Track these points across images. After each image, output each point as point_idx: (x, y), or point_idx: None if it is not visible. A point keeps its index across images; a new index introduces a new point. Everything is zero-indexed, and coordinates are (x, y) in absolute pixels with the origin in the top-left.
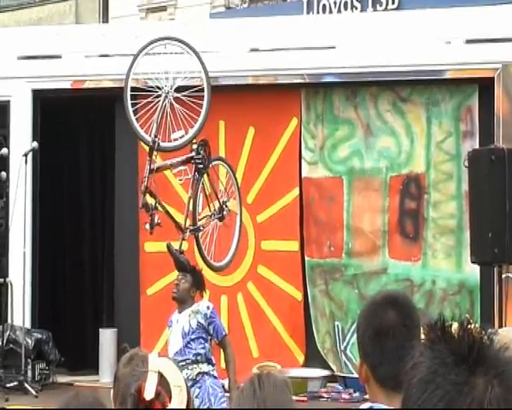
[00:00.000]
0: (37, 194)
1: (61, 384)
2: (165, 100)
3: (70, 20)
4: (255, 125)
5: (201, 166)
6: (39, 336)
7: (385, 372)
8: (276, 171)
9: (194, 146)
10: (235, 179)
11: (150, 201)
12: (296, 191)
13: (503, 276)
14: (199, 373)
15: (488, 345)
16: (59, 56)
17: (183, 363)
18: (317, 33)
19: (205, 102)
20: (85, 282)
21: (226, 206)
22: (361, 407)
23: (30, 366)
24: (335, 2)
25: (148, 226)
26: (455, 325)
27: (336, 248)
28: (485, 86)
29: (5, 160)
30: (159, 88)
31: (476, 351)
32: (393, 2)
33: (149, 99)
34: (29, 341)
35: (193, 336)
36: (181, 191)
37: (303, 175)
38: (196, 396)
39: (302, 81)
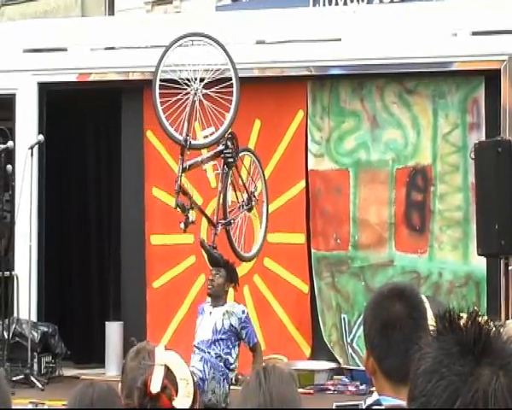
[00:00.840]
0: (42, 187)
1: (68, 378)
2: (194, 97)
3: (76, 13)
4: (261, 117)
5: (231, 159)
6: (45, 329)
7: (391, 365)
8: (282, 163)
9: (223, 141)
10: (261, 169)
11: (183, 200)
12: (302, 184)
13: (510, 268)
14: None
15: (495, 336)
16: (65, 49)
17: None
18: (324, 25)
19: (234, 98)
20: (92, 275)
21: (254, 196)
22: (368, 400)
23: (36, 360)
24: None
25: (182, 225)
26: (464, 317)
27: (343, 241)
28: (491, 78)
29: (11, 153)
30: (187, 85)
31: (482, 342)
32: None
33: (178, 96)
34: (35, 334)
35: (223, 337)
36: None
37: (309, 167)
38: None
39: (308, 73)
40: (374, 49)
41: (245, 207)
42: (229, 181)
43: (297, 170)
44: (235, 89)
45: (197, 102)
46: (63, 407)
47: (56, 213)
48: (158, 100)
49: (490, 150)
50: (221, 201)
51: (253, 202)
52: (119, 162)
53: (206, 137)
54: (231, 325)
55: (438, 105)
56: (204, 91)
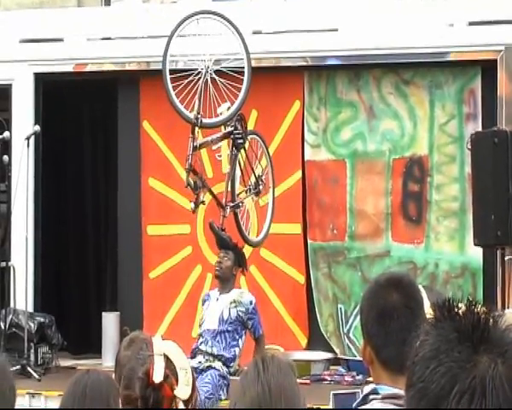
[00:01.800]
0: (39, 178)
1: (64, 368)
2: (206, 75)
3: (72, 4)
4: (258, 107)
5: (241, 140)
6: (42, 320)
7: (389, 354)
8: (278, 154)
9: (232, 123)
10: (268, 153)
11: (194, 179)
12: (299, 174)
13: (506, 258)
14: (209, 367)
15: (493, 325)
16: (61, 40)
17: (205, 353)
18: (320, 16)
19: (246, 73)
20: (88, 265)
21: (262, 180)
22: (365, 389)
23: (33, 350)
24: None
25: (192, 205)
26: (462, 306)
27: (339, 231)
28: (488, 68)
29: (7, 143)
30: (196, 70)
31: (481, 330)
32: None
33: (190, 78)
34: (32, 325)
35: (229, 328)
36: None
37: (306, 158)
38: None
39: (305, 64)
40: (370, 39)
41: (252, 190)
42: (238, 163)
43: (293, 160)
44: (246, 64)
45: (209, 80)
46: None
47: (53, 204)
48: (168, 76)
49: (486, 141)
50: (229, 183)
51: (261, 186)
52: (115, 153)
53: (221, 113)
54: (238, 315)
55: (434, 96)
56: (215, 67)
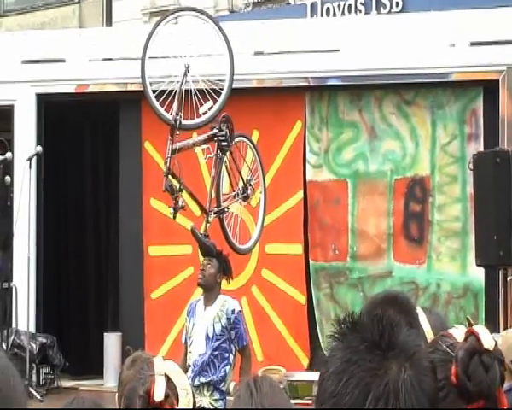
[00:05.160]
0: (41, 198)
1: (66, 389)
2: (186, 74)
3: (74, 25)
4: (259, 128)
5: (225, 143)
6: (44, 340)
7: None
8: (280, 174)
9: (215, 124)
10: (259, 156)
11: (174, 183)
12: (300, 194)
13: (509, 278)
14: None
15: (398, 330)
16: (63, 60)
17: (198, 385)
18: (321, 36)
19: (228, 71)
20: (90, 286)
21: (250, 185)
22: None
23: (34, 371)
24: (339, 5)
25: (172, 210)
26: (461, 327)
27: (341, 252)
28: (489, 89)
29: (9, 164)
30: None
31: (387, 336)
32: (397, 5)
33: (171, 78)
34: (34, 345)
35: (216, 352)
36: (205, 171)
37: (307, 178)
38: None
39: (306, 84)
40: (372, 59)
41: (240, 195)
42: (223, 167)
43: (295, 181)
44: (228, 59)
45: (190, 80)
46: None
47: (55, 224)
48: (147, 78)
49: (488, 161)
50: (214, 187)
51: (250, 191)
52: (117, 173)
53: (204, 113)
54: (222, 327)
55: (436, 116)
56: (195, 70)
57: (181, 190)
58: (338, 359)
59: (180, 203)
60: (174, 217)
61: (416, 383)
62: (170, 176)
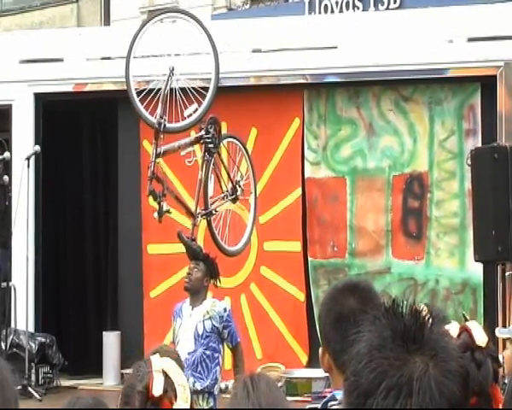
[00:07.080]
0: (39, 198)
1: (65, 388)
2: (170, 77)
3: (72, 24)
4: (257, 125)
5: (212, 145)
6: (43, 340)
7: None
8: (278, 171)
9: (203, 125)
10: (249, 157)
11: (158, 188)
12: (299, 192)
13: (507, 274)
14: None
15: (430, 327)
16: (61, 60)
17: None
18: (319, 33)
19: (213, 72)
20: (89, 285)
21: (240, 186)
22: (326, 396)
23: (34, 370)
24: (337, 2)
25: (156, 215)
26: (455, 323)
27: (340, 249)
28: (487, 84)
29: (7, 163)
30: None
31: (414, 330)
32: (395, 2)
33: (155, 81)
34: (33, 345)
35: (207, 351)
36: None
37: (306, 175)
38: None
39: (304, 81)
40: (370, 56)
41: (229, 197)
42: (211, 169)
43: (293, 178)
44: (213, 60)
45: (175, 82)
46: None
47: (53, 224)
48: (131, 80)
49: (486, 157)
50: (201, 190)
51: (239, 193)
52: (115, 172)
53: (189, 115)
54: (213, 325)
55: (434, 112)
56: (181, 71)
57: (164, 195)
58: (364, 341)
59: (164, 207)
60: (160, 221)
61: (434, 383)
62: (154, 180)
